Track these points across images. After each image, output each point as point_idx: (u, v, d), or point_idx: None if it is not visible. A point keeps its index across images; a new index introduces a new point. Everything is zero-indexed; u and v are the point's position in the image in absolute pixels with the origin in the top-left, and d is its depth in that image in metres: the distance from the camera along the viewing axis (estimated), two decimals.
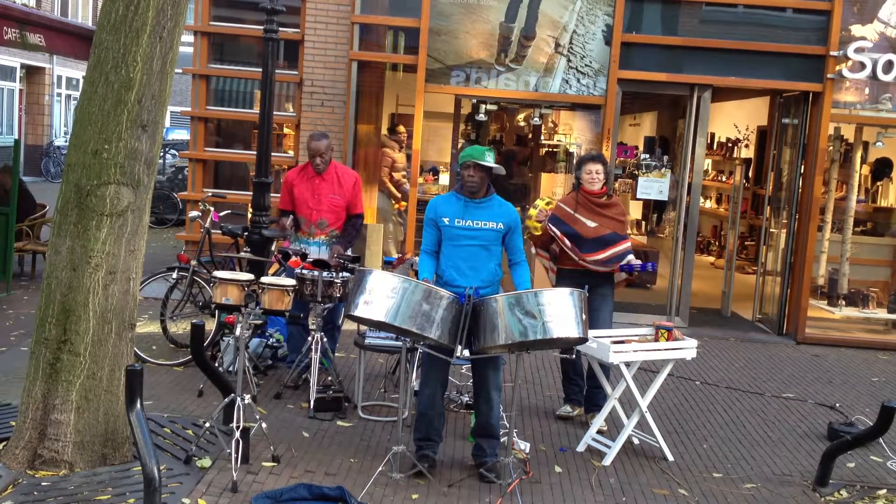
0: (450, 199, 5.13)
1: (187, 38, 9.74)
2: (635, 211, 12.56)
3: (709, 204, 13.62)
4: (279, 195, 7.00)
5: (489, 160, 4.97)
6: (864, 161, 10.24)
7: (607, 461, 5.40)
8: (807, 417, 6.73)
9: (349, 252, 6.62)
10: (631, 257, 5.95)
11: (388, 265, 6.83)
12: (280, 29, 7.70)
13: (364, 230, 9.04)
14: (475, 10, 9.28)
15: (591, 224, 5.93)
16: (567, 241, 5.93)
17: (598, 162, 6.04)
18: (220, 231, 7.73)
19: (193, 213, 8.14)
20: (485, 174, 5.01)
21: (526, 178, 11.78)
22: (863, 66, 9.07)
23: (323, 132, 6.79)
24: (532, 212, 6.37)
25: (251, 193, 7.80)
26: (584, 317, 4.64)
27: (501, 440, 5.21)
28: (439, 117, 10.68)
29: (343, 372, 6.84)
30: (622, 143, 11.24)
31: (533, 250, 6.30)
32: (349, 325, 7.25)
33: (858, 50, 9.05)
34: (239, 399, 4.88)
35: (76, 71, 25.93)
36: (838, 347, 9.32)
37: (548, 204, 6.33)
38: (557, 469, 5.28)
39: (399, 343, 5.79)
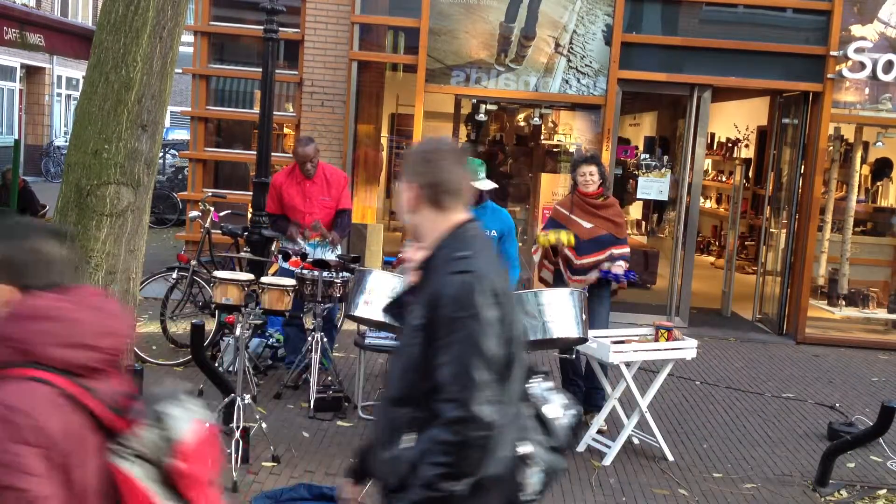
0: None
1: (187, 38, 9.72)
2: (635, 211, 12.56)
3: (709, 204, 13.60)
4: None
5: (482, 176, 4.95)
6: (864, 161, 10.23)
7: (607, 461, 5.40)
8: (807, 417, 6.73)
9: (351, 254, 6.65)
10: (621, 263, 5.90)
11: (388, 265, 6.84)
12: (280, 29, 7.70)
13: (364, 230, 9.04)
14: (475, 10, 9.28)
15: (587, 225, 5.92)
16: (568, 270, 5.92)
17: (592, 163, 6.02)
18: (220, 231, 7.73)
19: (193, 213, 8.15)
20: (478, 189, 5.00)
21: (526, 179, 11.78)
22: (863, 66, 9.06)
23: (308, 136, 6.80)
24: (542, 240, 6.02)
25: (251, 193, 7.80)
26: (584, 317, 4.64)
27: None
28: (439, 117, 10.68)
29: (343, 372, 6.84)
30: (622, 141, 11.23)
31: (535, 258, 6.24)
32: (349, 325, 7.25)
33: (858, 50, 9.05)
34: (239, 399, 4.88)
35: (76, 71, 25.92)
36: (838, 347, 9.31)
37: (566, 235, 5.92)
38: None
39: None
